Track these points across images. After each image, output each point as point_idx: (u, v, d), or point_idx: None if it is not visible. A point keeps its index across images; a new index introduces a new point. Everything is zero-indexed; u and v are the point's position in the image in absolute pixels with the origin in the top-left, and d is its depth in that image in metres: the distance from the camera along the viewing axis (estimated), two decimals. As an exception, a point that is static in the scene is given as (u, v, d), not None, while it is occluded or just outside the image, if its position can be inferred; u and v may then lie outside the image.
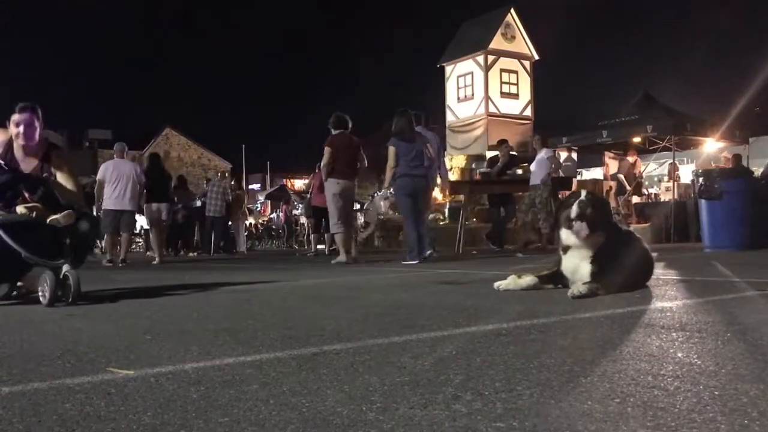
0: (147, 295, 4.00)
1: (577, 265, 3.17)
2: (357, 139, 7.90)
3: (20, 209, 3.48)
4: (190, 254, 14.43)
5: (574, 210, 3.11)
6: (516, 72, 18.35)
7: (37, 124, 3.72)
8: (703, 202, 7.86)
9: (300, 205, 18.29)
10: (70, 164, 3.86)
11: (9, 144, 3.75)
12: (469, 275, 4.96)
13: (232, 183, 15.68)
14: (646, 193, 14.27)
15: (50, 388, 1.49)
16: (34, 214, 3.48)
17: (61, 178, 3.77)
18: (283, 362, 1.72)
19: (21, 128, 3.67)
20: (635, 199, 13.26)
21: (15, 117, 3.69)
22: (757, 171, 10.63)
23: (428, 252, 7.20)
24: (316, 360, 1.73)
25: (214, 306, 3.27)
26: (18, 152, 3.74)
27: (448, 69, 19.04)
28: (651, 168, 15.40)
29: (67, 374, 1.64)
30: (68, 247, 3.46)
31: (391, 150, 7.12)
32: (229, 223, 14.88)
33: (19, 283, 3.82)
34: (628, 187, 12.79)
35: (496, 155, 11.04)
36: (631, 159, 13.50)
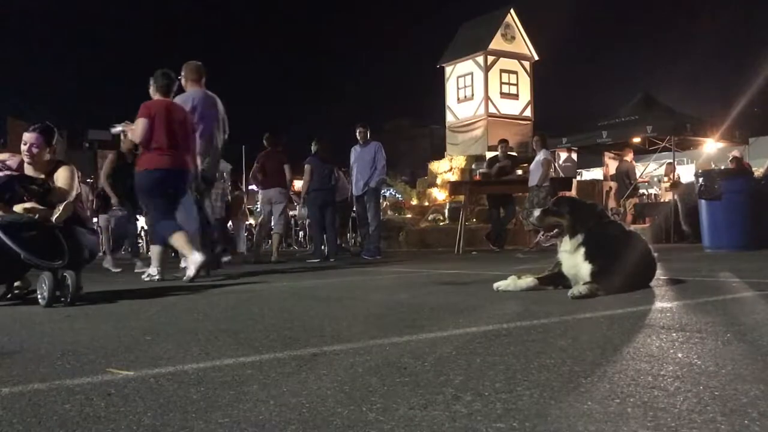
0: (146, 295, 4.00)
1: (577, 264, 3.17)
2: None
3: (19, 210, 3.48)
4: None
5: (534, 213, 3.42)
6: (516, 72, 18.31)
7: (44, 144, 3.86)
8: (703, 202, 7.86)
9: (299, 206, 18.29)
10: (73, 173, 3.94)
11: (22, 162, 3.91)
12: (469, 276, 4.97)
13: (229, 184, 15.68)
14: (639, 194, 14.19)
15: (50, 389, 1.48)
16: (36, 215, 3.49)
17: (59, 177, 3.80)
18: (283, 363, 1.72)
19: (27, 146, 3.84)
20: (632, 201, 13.25)
21: (25, 135, 3.88)
22: (758, 171, 10.63)
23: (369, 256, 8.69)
24: (316, 360, 1.73)
25: (214, 306, 3.27)
26: (27, 169, 3.87)
27: (448, 69, 19.02)
28: (651, 168, 15.37)
29: (67, 375, 1.64)
30: (66, 248, 3.46)
31: (307, 168, 8.88)
32: (229, 223, 14.88)
33: (16, 283, 3.83)
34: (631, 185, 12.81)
35: (496, 155, 11.05)
36: (628, 158, 13.50)
